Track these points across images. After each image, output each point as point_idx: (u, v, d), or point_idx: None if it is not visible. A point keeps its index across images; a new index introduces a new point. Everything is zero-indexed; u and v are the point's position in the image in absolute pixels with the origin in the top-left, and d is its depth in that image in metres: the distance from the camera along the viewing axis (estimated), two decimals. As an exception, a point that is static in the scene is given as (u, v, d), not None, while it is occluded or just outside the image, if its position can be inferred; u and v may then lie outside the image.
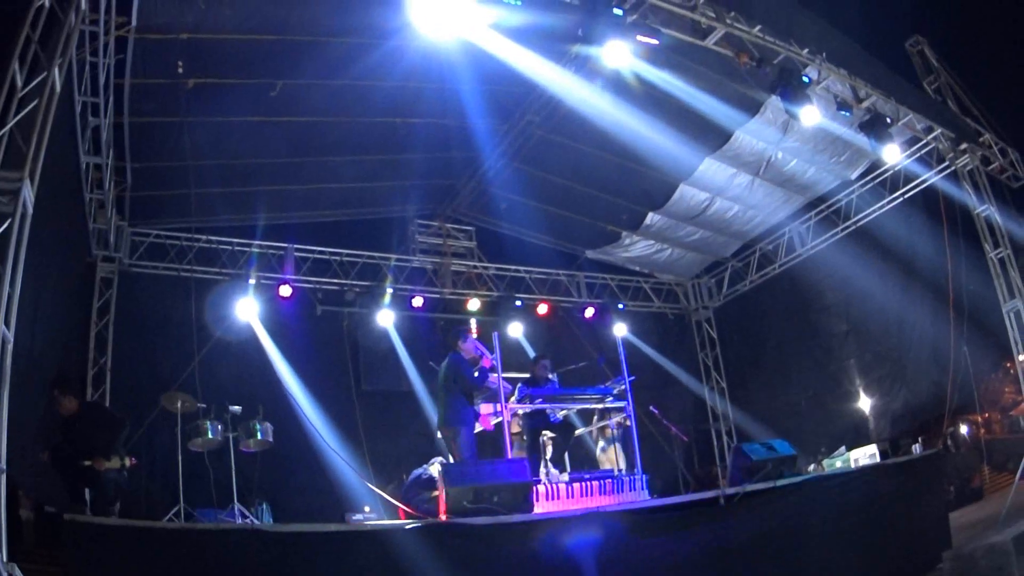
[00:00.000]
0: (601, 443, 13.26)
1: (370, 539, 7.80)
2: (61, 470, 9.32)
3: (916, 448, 14.54)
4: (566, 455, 12.63)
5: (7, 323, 6.67)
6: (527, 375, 12.68)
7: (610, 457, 12.92)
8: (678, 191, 17.65)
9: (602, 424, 12.75)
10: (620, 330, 18.30)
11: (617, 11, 10.60)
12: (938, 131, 15.03)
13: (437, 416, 11.54)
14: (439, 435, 12.46)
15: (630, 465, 11.82)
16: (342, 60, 12.82)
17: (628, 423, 11.82)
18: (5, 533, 6.21)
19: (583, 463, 13.80)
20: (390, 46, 12.32)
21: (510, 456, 10.66)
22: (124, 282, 14.94)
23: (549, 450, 12.12)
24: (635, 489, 11.06)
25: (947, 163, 15.45)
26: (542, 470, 11.55)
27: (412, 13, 9.88)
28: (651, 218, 18.74)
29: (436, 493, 10.12)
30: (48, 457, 9.38)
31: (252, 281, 15.70)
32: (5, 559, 6.08)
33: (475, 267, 18.85)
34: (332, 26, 12.21)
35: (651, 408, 14.56)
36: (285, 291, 15.93)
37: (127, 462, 9.70)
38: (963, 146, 15.07)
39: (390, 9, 10.52)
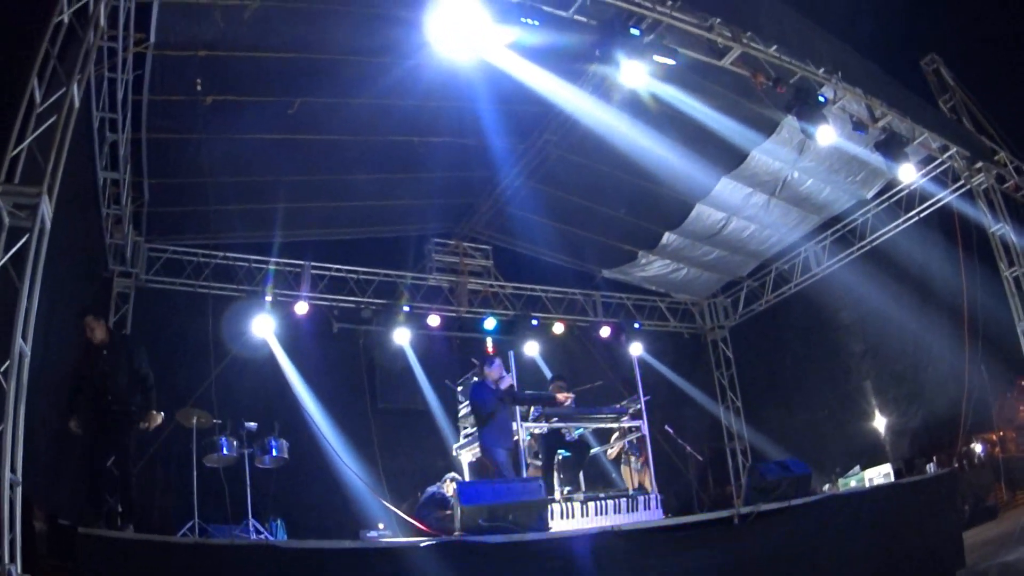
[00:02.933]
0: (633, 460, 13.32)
1: (384, 556, 7.82)
2: (84, 411, 9.37)
3: (930, 467, 14.47)
4: (581, 474, 12.63)
5: (24, 338, 6.71)
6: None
7: (642, 476, 12.97)
8: (694, 211, 17.60)
9: (623, 439, 12.84)
10: (636, 349, 18.34)
11: (634, 31, 10.61)
12: (953, 150, 15.02)
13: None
14: (454, 452, 12.61)
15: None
16: (361, 79, 12.87)
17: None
18: (20, 545, 6.24)
19: (597, 481, 13.81)
20: (409, 65, 12.33)
21: (525, 474, 10.68)
22: (140, 298, 14.99)
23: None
24: (649, 508, 11.05)
25: (962, 182, 15.42)
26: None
27: (431, 33, 9.97)
28: (667, 238, 18.68)
29: (450, 511, 10.16)
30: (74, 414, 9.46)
31: (269, 298, 15.69)
32: (19, 571, 6.10)
33: (492, 286, 18.82)
34: (351, 45, 12.25)
35: (666, 427, 14.57)
36: (301, 308, 15.95)
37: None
38: (978, 165, 15.07)
39: (409, 29, 10.63)
